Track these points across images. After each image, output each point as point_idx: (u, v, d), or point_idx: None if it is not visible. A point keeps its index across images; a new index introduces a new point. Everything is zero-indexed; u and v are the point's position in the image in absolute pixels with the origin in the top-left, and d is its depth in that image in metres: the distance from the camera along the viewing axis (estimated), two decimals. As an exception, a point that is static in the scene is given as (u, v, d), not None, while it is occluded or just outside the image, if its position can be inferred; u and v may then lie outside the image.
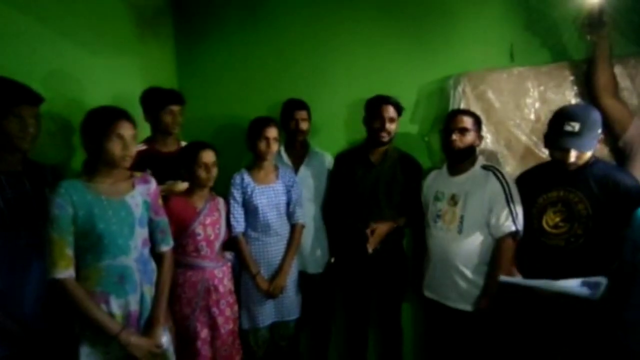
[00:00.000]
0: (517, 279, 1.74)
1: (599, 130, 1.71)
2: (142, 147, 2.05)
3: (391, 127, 2.15)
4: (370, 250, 2.10)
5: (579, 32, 2.06)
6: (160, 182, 1.79)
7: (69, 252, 1.43)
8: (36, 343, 1.46)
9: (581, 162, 1.71)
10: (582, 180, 1.73)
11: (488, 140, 2.23)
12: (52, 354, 1.50)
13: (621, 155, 1.97)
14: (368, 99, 2.22)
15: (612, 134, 1.96)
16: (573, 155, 1.68)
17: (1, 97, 1.43)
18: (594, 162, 1.75)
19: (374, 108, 2.17)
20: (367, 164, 2.24)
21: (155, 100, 2.09)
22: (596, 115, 1.72)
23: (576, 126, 1.67)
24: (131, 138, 1.54)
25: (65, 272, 1.41)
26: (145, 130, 2.14)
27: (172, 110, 2.10)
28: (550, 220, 1.78)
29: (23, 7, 1.75)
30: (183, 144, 2.25)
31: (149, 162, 1.85)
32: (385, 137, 2.16)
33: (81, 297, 1.43)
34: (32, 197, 1.51)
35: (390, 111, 2.15)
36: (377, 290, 2.31)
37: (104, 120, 1.50)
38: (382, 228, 2.13)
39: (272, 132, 2.14)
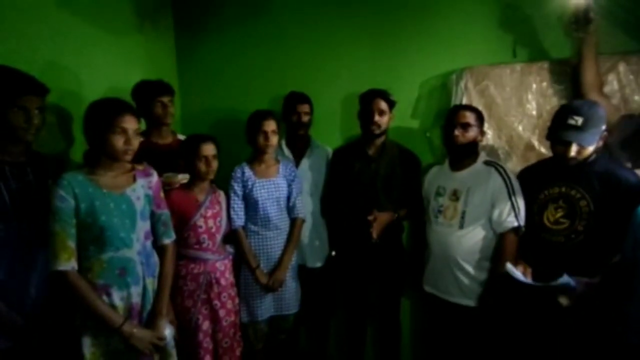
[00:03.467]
0: (519, 274, 1.73)
1: (603, 127, 1.71)
2: (140, 139, 2.04)
3: (381, 119, 2.14)
4: (374, 235, 2.08)
5: (567, 29, 2.04)
6: (157, 174, 1.78)
7: (71, 244, 1.43)
8: (39, 334, 1.46)
9: (581, 157, 1.71)
10: (584, 177, 1.73)
11: (489, 136, 2.23)
12: (55, 345, 1.51)
13: (612, 152, 1.94)
14: (361, 93, 2.22)
15: None
16: (574, 150, 1.68)
17: (6, 87, 1.42)
18: (596, 158, 1.75)
19: (366, 101, 2.18)
20: (365, 157, 2.24)
21: (145, 93, 2.09)
22: (601, 112, 1.72)
23: (579, 120, 1.67)
24: (134, 132, 1.53)
25: (67, 264, 1.42)
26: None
27: (162, 101, 2.10)
28: (551, 216, 1.79)
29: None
30: (179, 136, 2.25)
31: (146, 155, 1.85)
32: (376, 130, 2.15)
33: (83, 289, 1.44)
34: (35, 188, 1.50)
35: (381, 104, 2.14)
36: (377, 285, 2.32)
37: (108, 113, 1.49)
38: (383, 217, 2.13)
39: (271, 125, 2.13)
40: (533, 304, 1.74)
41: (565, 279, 1.60)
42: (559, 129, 1.73)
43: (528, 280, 1.68)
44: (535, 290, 1.68)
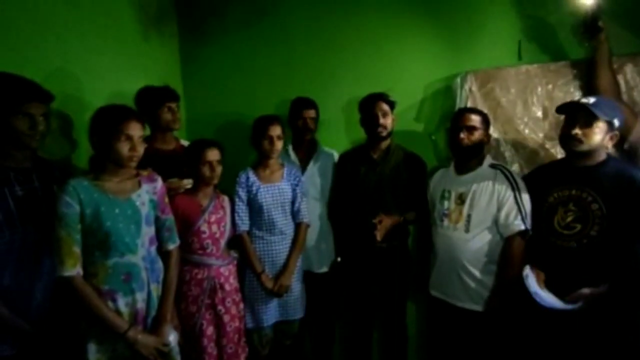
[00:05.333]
0: (533, 284, 1.71)
1: (616, 121, 1.67)
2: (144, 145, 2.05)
3: (386, 121, 2.16)
4: (378, 237, 2.08)
5: (578, 38, 2.06)
6: (162, 180, 1.78)
7: (77, 250, 1.43)
8: (44, 340, 1.46)
9: (587, 144, 1.66)
10: (595, 178, 1.68)
11: (495, 138, 2.21)
12: (60, 351, 1.50)
13: (628, 158, 1.92)
14: (360, 100, 2.24)
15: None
16: (578, 130, 1.65)
17: (11, 94, 1.43)
18: (607, 159, 1.71)
19: (367, 107, 2.20)
20: (370, 161, 2.24)
21: (152, 99, 2.09)
22: (617, 106, 1.73)
23: (592, 99, 1.68)
24: (139, 138, 1.53)
25: (73, 270, 1.42)
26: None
27: (170, 107, 2.11)
28: (562, 220, 1.73)
29: (28, 5, 1.75)
30: (182, 141, 2.25)
31: (150, 161, 1.87)
32: (383, 132, 2.17)
33: (89, 295, 1.44)
34: (40, 194, 1.51)
35: (383, 106, 2.16)
36: (382, 289, 2.30)
37: (114, 119, 1.50)
38: (388, 219, 2.12)
39: (276, 130, 2.13)
40: (541, 312, 1.72)
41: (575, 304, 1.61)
42: (570, 105, 1.74)
43: (540, 291, 1.66)
44: (542, 305, 1.67)
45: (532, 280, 1.70)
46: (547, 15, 2.17)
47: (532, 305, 1.71)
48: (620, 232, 1.62)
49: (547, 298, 1.66)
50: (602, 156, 1.72)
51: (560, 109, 1.79)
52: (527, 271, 1.73)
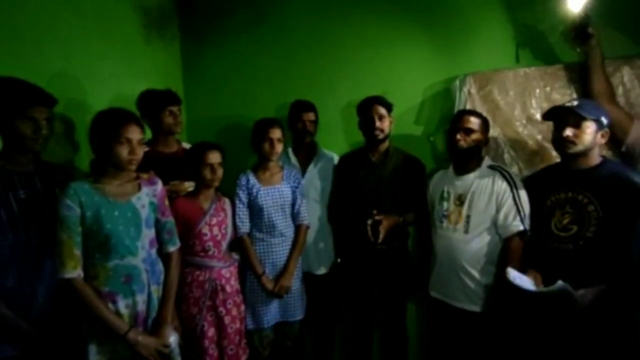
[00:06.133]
0: (518, 280, 1.70)
1: (603, 119, 1.69)
2: (144, 148, 2.06)
3: (383, 124, 2.17)
4: (381, 235, 2.06)
5: (569, 43, 2.07)
6: (163, 182, 1.80)
7: (77, 252, 1.45)
8: (46, 341, 1.48)
9: (580, 144, 1.68)
10: (591, 181, 1.70)
11: (493, 141, 2.22)
12: (61, 353, 1.52)
13: (626, 160, 1.92)
14: (358, 103, 2.25)
15: (614, 140, 1.91)
16: (569, 130, 1.68)
17: (15, 98, 1.44)
18: (602, 162, 1.73)
19: (364, 110, 2.21)
20: (369, 164, 2.25)
21: (154, 103, 2.11)
22: (601, 106, 1.76)
23: (575, 102, 1.73)
24: (138, 142, 1.55)
25: (74, 272, 1.44)
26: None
27: (172, 110, 2.12)
28: (559, 222, 1.75)
29: (31, 10, 1.77)
30: (184, 144, 2.27)
31: (152, 164, 1.89)
32: (380, 135, 2.17)
33: (89, 297, 1.46)
34: (43, 197, 1.53)
35: (379, 109, 2.17)
36: (382, 291, 2.31)
37: (113, 123, 1.51)
38: (387, 220, 2.10)
39: (276, 133, 2.15)
40: (537, 310, 1.73)
41: (560, 284, 1.58)
42: (557, 108, 1.77)
43: (527, 286, 1.65)
44: (533, 297, 1.66)
45: (513, 274, 1.68)
46: (544, 19, 2.18)
47: (531, 305, 1.72)
48: (616, 233, 1.63)
49: (527, 283, 1.66)
50: (597, 158, 1.74)
51: (547, 115, 1.82)
52: (511, 274, 1.70)
